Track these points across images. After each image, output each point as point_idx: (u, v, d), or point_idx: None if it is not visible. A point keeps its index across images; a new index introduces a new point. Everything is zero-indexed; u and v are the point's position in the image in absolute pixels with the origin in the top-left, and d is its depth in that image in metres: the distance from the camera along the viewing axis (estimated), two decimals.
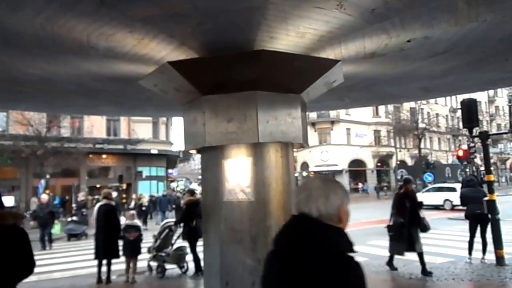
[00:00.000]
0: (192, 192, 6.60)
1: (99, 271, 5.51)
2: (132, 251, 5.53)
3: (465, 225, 6.22)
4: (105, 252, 5.43)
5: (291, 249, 0.99)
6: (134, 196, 16.59)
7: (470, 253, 5.77)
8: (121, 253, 5.61)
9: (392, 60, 3.60)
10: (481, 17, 2.67)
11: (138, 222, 6.14)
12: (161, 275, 5.74)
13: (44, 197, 10.11)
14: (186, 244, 5.80)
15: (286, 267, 0.98)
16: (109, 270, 5.49)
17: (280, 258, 1.00)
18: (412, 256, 5.68)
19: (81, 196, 14.03)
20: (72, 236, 10.89)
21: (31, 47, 2.97)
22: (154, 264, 6.00)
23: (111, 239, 5.43)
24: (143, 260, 6.05)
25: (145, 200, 14.43)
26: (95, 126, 18.65)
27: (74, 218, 11.54)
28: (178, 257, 5.78)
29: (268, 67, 3.01)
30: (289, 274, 0.97)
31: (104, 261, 5.51)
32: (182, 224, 5.92)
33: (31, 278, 2.14)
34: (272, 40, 2.89)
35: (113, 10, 2.38)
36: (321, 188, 1.05)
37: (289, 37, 2.86)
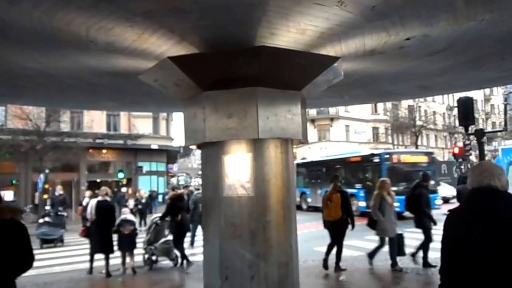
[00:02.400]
0: (174, 188, 7.21)
1: (92, 264, 5.77)
2: (127, 245, 5.73)
3: None
4: (102, 246, 5.61)
5: (492, 210, 1.41)
6: (130, 191, 14.36)
7: None
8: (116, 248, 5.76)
9: (391, 58, 3.62)
10: (479, 16, 2.69)
11: (133, 217, 6.41)
12: (149, 268, 5.93)
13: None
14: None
15: (491, 222, 1.37)
16: (107, 264, 5.62)
17: (482, 217, 1.40)
18: (407, 250, 5.73)
19: (59, 190, 11.26)
20: (46, 242, 8.64)
21: (30, 41, 2.96)
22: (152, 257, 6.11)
23: (109, 234, 5.67)
24: (139, 254, 6.16)
25: (142, 195, 12.35)
26: (95, 121, 18.60)
27: (47, 219, 9.12)
28: (165, 250, 6.00)
29: (268, 64, 3.02)
30: (494, 226, 1.36)
31: (101, 256, 5.67)
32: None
33: (30, 272, 2.15)
34: (273, 36, 2.90)
35: (113, 4, 2.37)
36: (497, 168, 1.54)
37: (290, 34, 2.87)
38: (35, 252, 2.10)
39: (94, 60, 3.46)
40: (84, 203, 9.58)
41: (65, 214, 10.27)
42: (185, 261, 5.79)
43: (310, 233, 9.62)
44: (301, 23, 2.71)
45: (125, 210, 6.82)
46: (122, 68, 3.68)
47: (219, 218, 3.18)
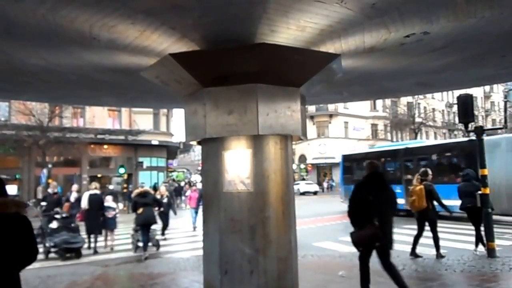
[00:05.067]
0: (139, 186, 8.60)
1: (90, 242, 7.64)
2: (110, 225, 7.69)
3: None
4: (95, 227, 7.55)
5: None
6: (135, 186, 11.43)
7: (476, 245, 5.87)
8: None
9: (391, 55, 3.63)
10: (479, 14, 2.70)
11: (114, 204, 8.21)
12: (133, 251, 7.24)
13: None
14: (154, 226, 7.25)
15: None
16: (95, 242, 7.50)
17: None
18: (405, 247, 5.80)
19: (53, 188, 8.80)
20: (70, 251, 6.79)
21: (34, 38, 2.98)
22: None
23: (98, 219, 7.59)
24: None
25: (163, 193, 9.26)
26: (96, 116, 18.69)
27: (58, 223, 7.17)
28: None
29: (268, 60, 3.05)
30: None
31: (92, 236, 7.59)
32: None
33: (34, 265, 2.21)
34: (273, 33, 2.92)
35: (116, 1, 2.40)
36: None
37: (290, 31, 2.89)
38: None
39: (97, 56, 3.49)
40: (72, 199, 8.62)
41: (75, 213, 8.25)
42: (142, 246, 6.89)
43: (309, 229, 9.70)
44: (301, 20, 2.73)
45: (108, 197, 8.24)
46: (124, 65, 3.71)
47: (219, 213, 3.22)
